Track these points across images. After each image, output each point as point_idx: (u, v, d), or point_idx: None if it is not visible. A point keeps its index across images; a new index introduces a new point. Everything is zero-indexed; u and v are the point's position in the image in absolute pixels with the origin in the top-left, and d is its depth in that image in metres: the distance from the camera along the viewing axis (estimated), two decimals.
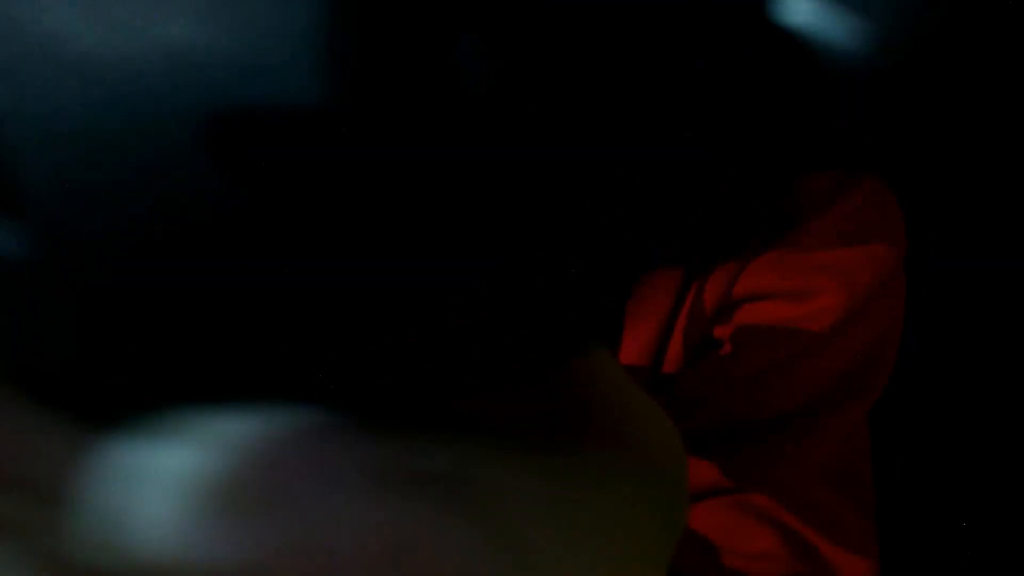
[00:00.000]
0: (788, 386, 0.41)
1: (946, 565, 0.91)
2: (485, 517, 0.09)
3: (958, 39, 0.53)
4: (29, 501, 0.08)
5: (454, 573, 0.09)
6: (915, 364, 0.87)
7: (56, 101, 0.07)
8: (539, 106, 0.08)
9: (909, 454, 0.91)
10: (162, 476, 0.08)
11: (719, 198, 0.42)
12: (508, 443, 0.09)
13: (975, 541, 0.91)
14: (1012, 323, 0.91)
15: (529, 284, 0.08)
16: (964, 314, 0.90)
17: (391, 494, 0.08)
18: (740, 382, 0.41)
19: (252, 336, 0.08)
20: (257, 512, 0.08)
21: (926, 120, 0.59)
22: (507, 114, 0.08)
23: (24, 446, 0.08)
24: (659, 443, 0.11)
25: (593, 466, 0.10)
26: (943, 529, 0.92)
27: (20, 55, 0.07)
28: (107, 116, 0.07)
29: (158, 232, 0.08)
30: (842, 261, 0.42)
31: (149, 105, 0.07)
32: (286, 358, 0.08)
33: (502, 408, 0.10)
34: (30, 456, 0.08)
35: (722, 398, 0.41)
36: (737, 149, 0.09)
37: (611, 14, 0.08)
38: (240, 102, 0.07)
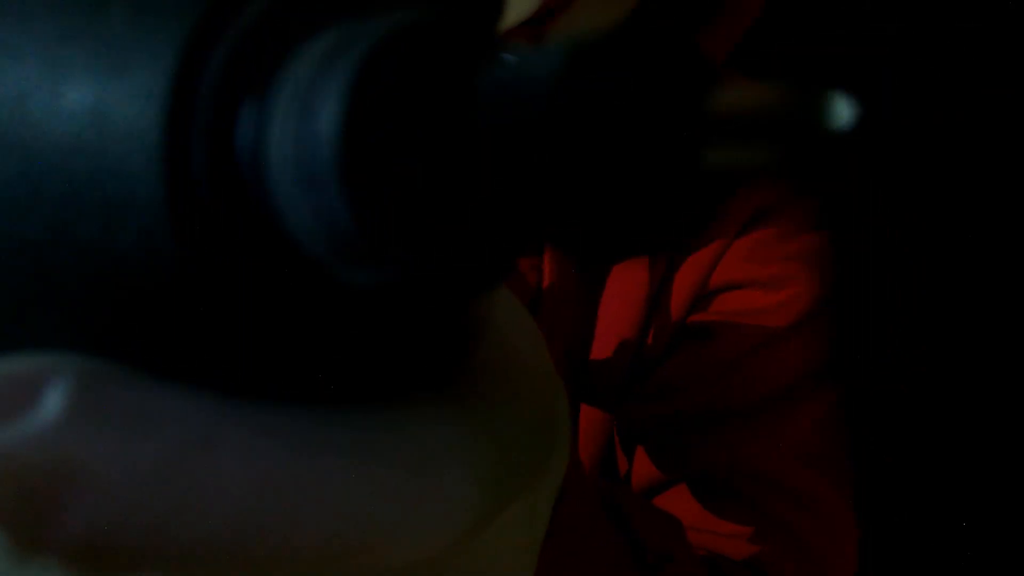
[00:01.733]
0: (763, 372, 0.41)
1: (946, 565, 0.91)
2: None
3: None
4: None
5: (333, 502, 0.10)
6: (915, 364, 0.87)
7: None
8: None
9: (909, 454, 0.91)
10: None
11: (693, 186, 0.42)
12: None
13: (975, 541, 0.91)
14: (1012, 323, 0.91)
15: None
16: (964, 314, 0.90)
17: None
18: (716, 369, 0.41)
19: None
20: None
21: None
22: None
23: None
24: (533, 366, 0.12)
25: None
26: (943, 529, 0.92)
27: None
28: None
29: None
30: (814, 249, 0.42)
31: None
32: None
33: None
34: None
35: (698, 385, 0.41)
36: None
37: None
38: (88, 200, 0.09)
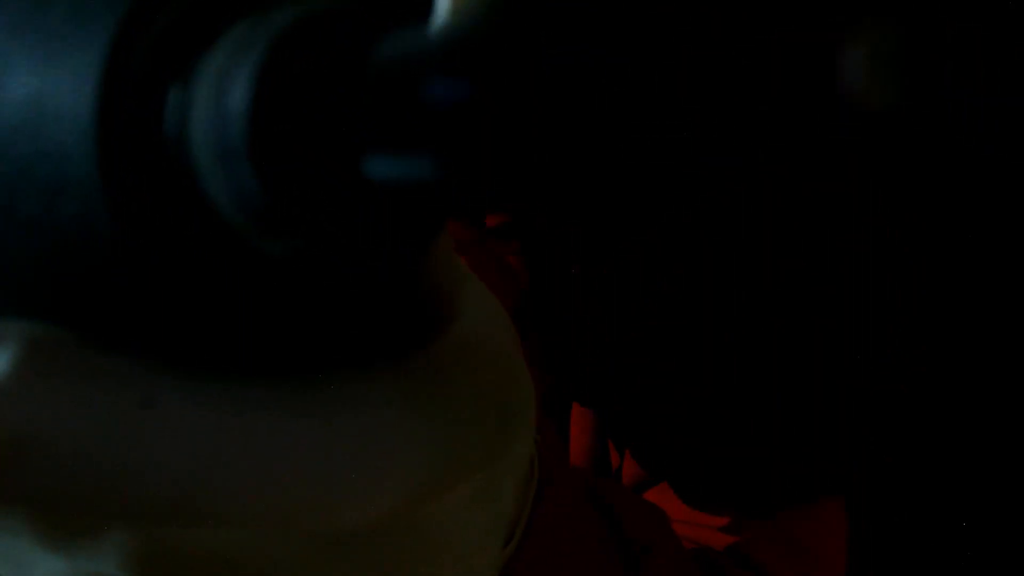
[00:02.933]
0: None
1: (946, 565, 0.90)
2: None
3: None
4: None
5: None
6: (915, 364, 0.87)
7: None
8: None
9: (908, 454, 0.91)
10: None
11: None
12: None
13: (975, 541, 0.90)
14: (1012, 323, 0.90)
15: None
16: (965, 314, 0.89)
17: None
18: None
19: None
20: None
21: None
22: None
23: None
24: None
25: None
26: (942, 529, 0.91)
27: None
28: None
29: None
30: None
31: None
32: None
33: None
34: None
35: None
36: None
37: None
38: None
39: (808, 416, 0.41)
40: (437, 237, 0.11)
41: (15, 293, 0.10)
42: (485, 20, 0.09)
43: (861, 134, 0.09)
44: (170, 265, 0.10)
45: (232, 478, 0.10)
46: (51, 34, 0.10)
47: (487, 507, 0.13)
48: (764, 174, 0.37)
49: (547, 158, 0.09)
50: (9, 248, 0.10)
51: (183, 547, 0.10)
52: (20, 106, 0.10)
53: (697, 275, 0.36)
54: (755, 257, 0.39)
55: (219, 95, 0.09)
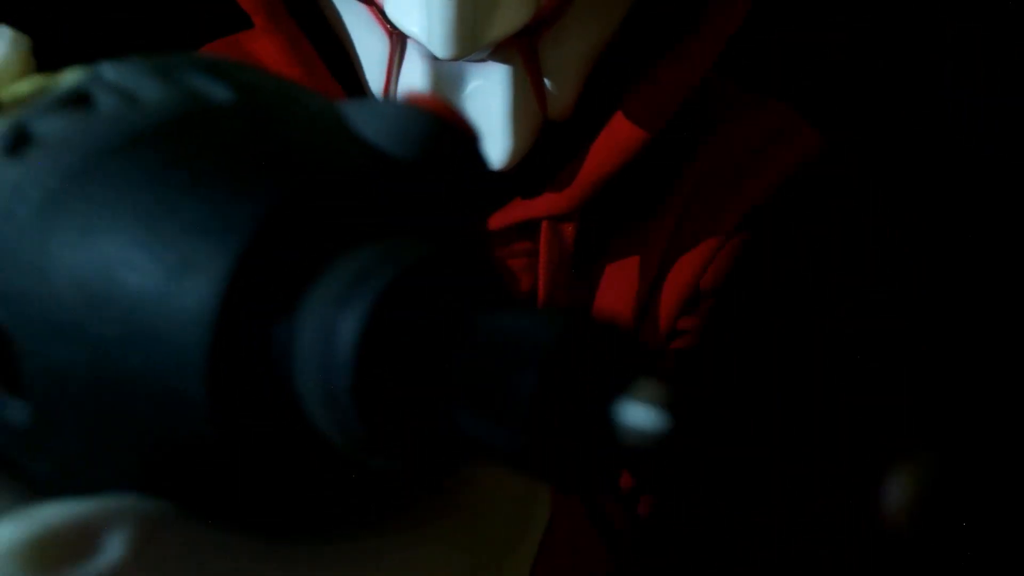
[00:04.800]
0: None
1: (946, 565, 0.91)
2: None
3: None
4: None
5: None
6: (915, 364, 0.87)
7: (51, 332, 0.12)
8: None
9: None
10: None
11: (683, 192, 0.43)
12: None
13: (975, 541, 0.91)
14: (1012, 322, 0.91)
15: None
16: (965, 313, 0.90)
17: None
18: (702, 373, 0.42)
19: None
20: None
21: None
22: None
23: None
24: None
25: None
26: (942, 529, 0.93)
27: (30, 296, 0.12)
28: (82, 343, 0.11)
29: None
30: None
31: (103, 343, 0.11)
32: None
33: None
34: None
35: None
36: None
37: None
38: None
39: None
40: None
41: (115, 471, 0.11)
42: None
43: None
44: (268, 466, 0.11)
45: None
46: (177, 245, 0.11)
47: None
48: None
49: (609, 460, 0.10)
50: (127, 440, 0.11)
51: None
52: (135, 310, 0.11)
53: None
54: None
55: (325, 343, 0.11)
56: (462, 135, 0.13)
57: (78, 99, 0.13)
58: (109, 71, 0.13)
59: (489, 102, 0.35)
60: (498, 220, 0.40)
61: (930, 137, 0.86)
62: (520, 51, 0.34)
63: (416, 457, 0.11)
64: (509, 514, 0.13)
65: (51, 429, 0.12)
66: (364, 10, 0.34)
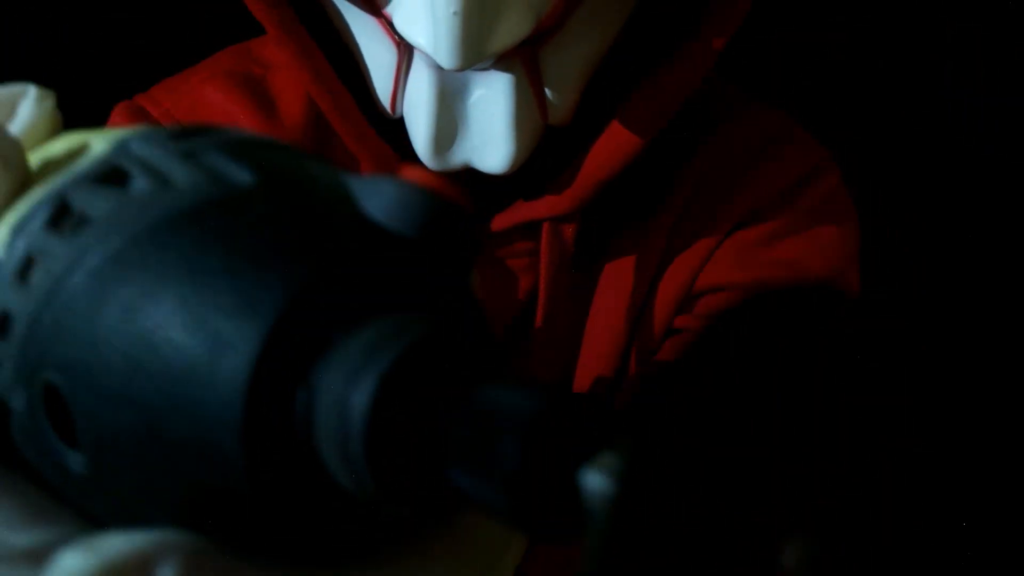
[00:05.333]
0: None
1: (946, 565, 0.91)
2: None
3: None
4: None
5: None
6: (914, 364, 0.88)
7: (102, 396, 0.13)
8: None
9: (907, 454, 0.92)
10: None
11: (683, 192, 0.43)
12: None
13: (975, 541, 0.91)
14: (1012, 322, 0.91)
15: None
16: (963, 313, 0.90)
17: None
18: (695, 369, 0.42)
19: None
20: None
21: None
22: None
23: None
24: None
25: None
26: (942, 529, 0.92)
27: (83, 364, 0.13)
28: (130, 407, 0.13)
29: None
30: (797, 255, 0.43)
31: (154, 400, 0.13)
32: None
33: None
34: None
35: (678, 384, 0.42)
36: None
37: None
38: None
39: None
40: None
41: (161, 512, 0.13)
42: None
43: None
44: (294, 509, 0.13)
45: None
46: (208, 327, 0.13)
47: None
48: None
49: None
50: (170, 485, 0.13)
51: None
52: (178, 382, 0.13)
53: None
54: None
55: (341, 412, 0.13)
56: (456, 211, 0.15)
57: (113, 175, 0.15)
58: (137, 146, 0.15)
59: (492, 110, 0.35)
60: (501, 221, 0.41)
61: (930, 137, 0.86)
62: (522, 60, 0.35)
63: (418, 505, 0.13)
64: (494, 537, 0.15)
65: (105, 476, 0.14)
66: (373, 21, 0.35)
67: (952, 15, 0.85)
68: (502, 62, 0.34)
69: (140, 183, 0.15)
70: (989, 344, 0.92)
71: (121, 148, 0.15)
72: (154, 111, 0.43)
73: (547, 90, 0.36)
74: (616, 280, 0.43)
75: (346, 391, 0.13)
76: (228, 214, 0.14)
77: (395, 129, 0.38)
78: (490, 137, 0.36)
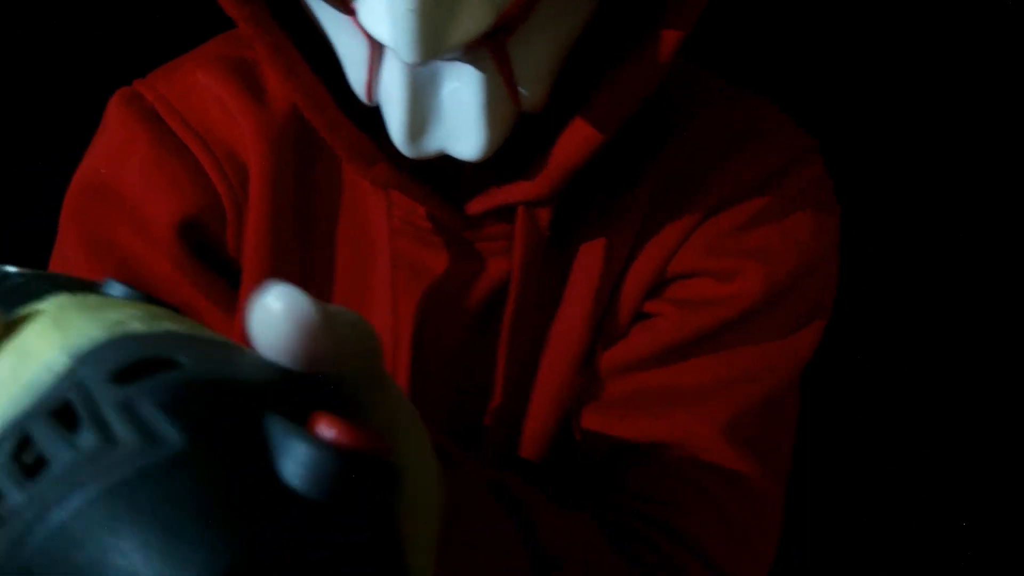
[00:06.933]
0: (704, 359, 0.43)
1: (946, 565, 0.91)
2: None
3: None
4: None
5: None
6: (912, 362, 0.88)
7: None
8: None
9: (906, 453, 0.91)
10: None
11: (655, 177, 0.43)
12: None
13: (975, 541, 0.91)
14: (1011, 322, 0.91)
15: None
16: (962, 313, 0.90)
17: None
18: (663, 352, 0.43)
19: None
20: None
21: None
22: None
23: None
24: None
25: None
26: (942, 529, 0.92)
27: None
28: None
29: None
30: (768, 246, 0.43)
31: None
32: None
33: None
34: None
35: (644, 366, 0.43)
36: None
37: None
38: None
39: None
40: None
41: None
42: None
43: None
44: None
45: None
46: None
47: None
48: None
49: None
50: None
51: None
52: None
53: None
54: None
55: None
56: (375, 468, 0.17)
57: (64, 412, 0.17)
58: (85, 373, 0.17)
59: (464, 100, 0.36)
60: (477, 205, 0.42)
61: (930, 137, 0.86)
62: (491, 51, 0.35)
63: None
64: None
65: None
66: (344, 16, 0.36)
67: (952, 15, 0.85)
68: (470, 53, 0.35)
69: (88, 437, 0.16)
70: (988, 341, 0.91)
71: (71, 380, 0.17)
72: (149, 95, 0.44)
73: (518, 79, 0.37)
74: (588, 264, 0.43)
75: None
76: (160, 486, 0.16)
77: (376, 115, 0.39)
78: (463, 125, 0.37)
